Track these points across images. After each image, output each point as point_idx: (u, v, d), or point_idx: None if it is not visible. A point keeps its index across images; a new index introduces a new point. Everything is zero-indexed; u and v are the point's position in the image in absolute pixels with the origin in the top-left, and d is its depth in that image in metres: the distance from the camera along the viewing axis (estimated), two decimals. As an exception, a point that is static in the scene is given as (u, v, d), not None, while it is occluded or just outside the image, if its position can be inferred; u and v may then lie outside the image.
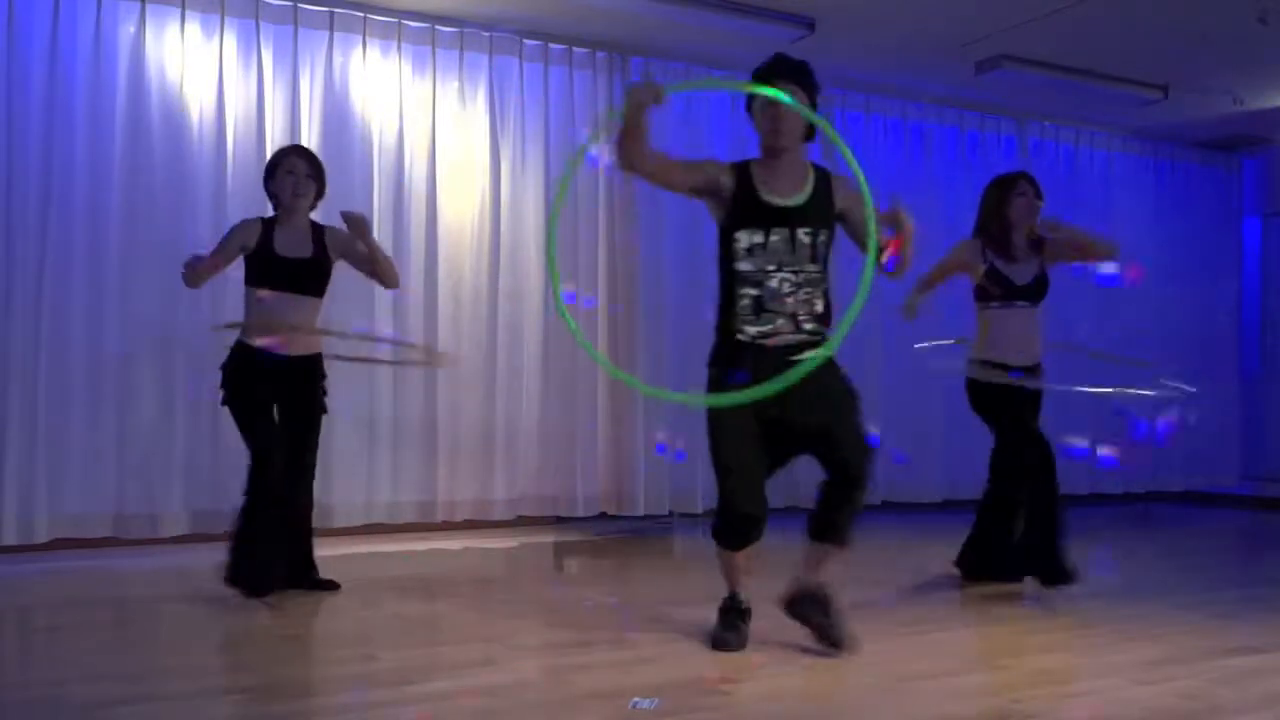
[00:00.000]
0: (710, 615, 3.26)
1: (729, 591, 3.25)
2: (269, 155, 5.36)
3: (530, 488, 5.99)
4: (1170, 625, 3.63)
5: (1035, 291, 4.33)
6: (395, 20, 5.78)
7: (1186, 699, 2.73)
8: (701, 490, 6.08)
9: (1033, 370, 4.31)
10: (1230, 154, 8.46)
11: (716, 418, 3.11)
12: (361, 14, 5.69)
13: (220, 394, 3.92)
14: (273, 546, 3.84)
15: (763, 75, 3.13)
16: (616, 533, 5.84)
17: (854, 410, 3.15)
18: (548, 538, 5.70)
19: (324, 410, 4.06)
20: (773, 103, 3.05)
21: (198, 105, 5.36)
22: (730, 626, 3.17)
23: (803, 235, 3.07)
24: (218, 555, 3.90)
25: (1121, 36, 6.02)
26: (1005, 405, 4.25)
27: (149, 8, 5.26)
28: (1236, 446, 8.42)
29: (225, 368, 3.92)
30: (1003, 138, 7.57)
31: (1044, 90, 6.84)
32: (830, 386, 3.10)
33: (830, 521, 3.15)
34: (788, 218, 3.07)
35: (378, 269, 4.05)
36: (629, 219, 6.28)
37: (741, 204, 3.10)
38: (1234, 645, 3.33)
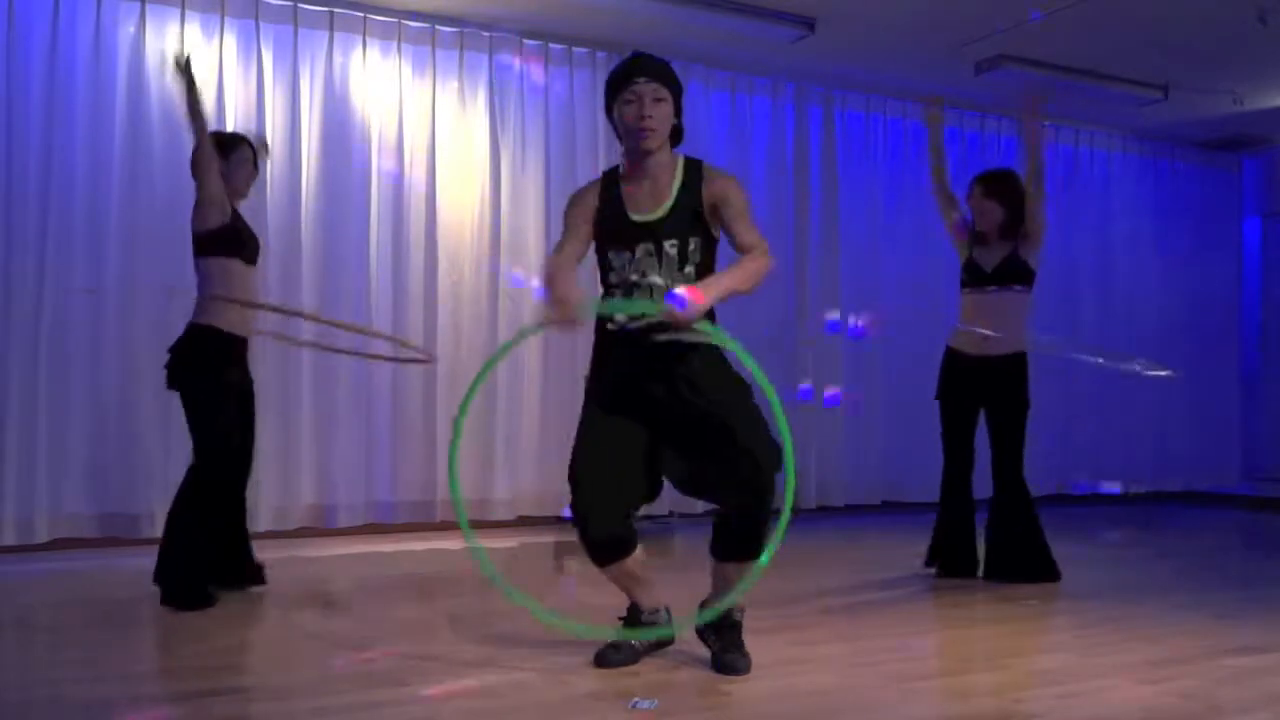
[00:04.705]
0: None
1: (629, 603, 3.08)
2: (269, 156, 5.38)
3: (530, 488, 6.00)
4: (1170, 625, 3.63)
5: (1002, 275, 4.43)
6: (395, 20, 5.78)
7: (1186, 699, 2.73)
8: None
9: (1005, 360, 4.38)
10: (1230, 154, 8.46)
11: (582, 422, 2.95)
12: (361, 14, 5.69)
13: (174, 375, 3.83)
14: (211, 550, 3.83)
15: (623, 72, 2.90)
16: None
17: (750, 397, 2.87)
18: (548, 538, 5.70)
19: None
20: (638, 99, 2.85)
21: (198, 105, 5.36)
22: (615, 642, 3.00)
23: (669, 248, 2.88)
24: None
25: (1121, 36, 6.02)
26: (947, 405, 4.50)
27: (149, 8, 5.26)
28: (1236, 446, 8.42)
29: (198, 351, 3.81)
30: (1003, 138, 7.57)
31: (1044, 90, 6.83)
32: (720, 373, 2.89)
33: (733, 541, 2.89)
34: (651, 232, 2.89)
35: (192, 114, 3.78)
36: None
37: (608, 220, 2.94)
38: (1234, 645, 3.33)
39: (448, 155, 5.90)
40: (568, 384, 6.06)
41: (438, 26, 5.87)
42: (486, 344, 5.91)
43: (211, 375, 3.82)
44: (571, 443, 2.96)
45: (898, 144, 7.22)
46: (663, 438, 2.93)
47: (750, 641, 2.97)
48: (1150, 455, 7.97)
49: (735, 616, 2.97)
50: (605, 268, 2.99)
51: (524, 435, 5.98)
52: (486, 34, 5.96)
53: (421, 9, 5.75)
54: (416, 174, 5.84)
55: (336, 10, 5.64)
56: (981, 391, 4.42)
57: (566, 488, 2.93)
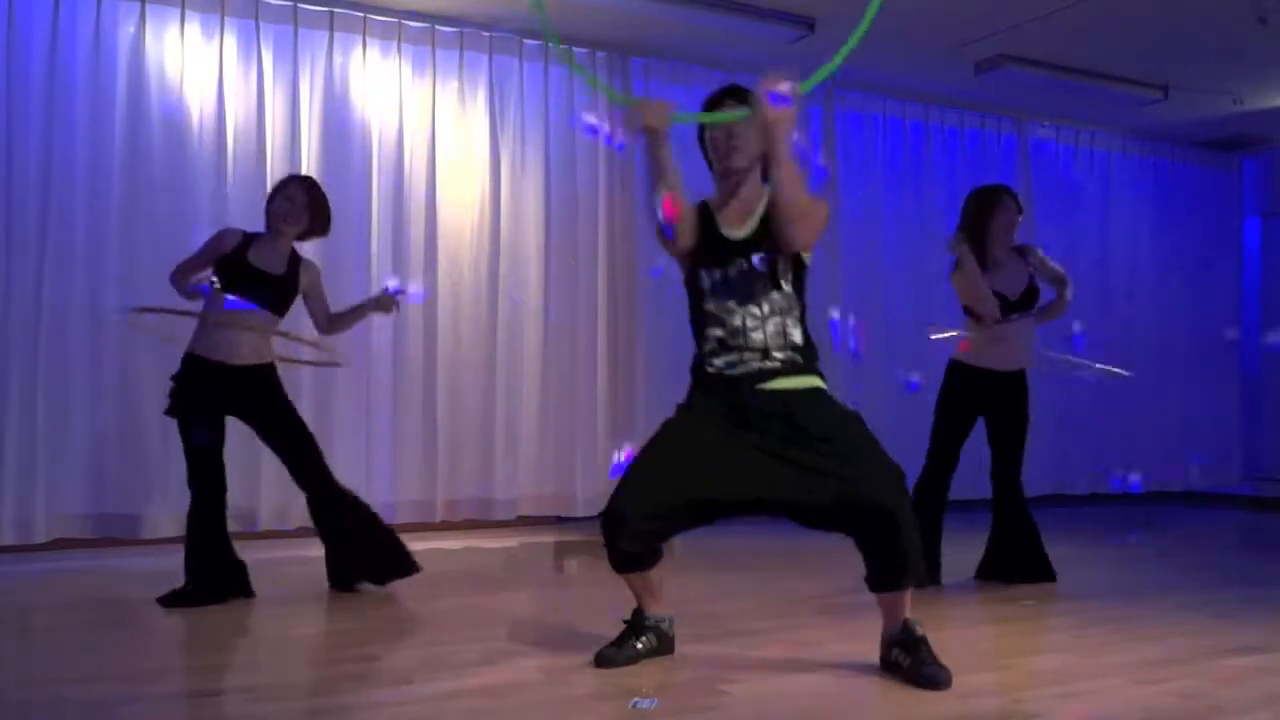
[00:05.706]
0: (711, 614, 3.26)
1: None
2: (269, 156, 5.42)
3: (530, 488, 5.99)
4: (1170, 625, 3.63)
5: (1028, 302, 4.39)
6: (395, 20, 5.78)
7: (1186, 699, 2.73)
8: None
9: (1015, 375, 4.37)
10: (1230, 154, 8.46)
11: (657, 433, 2.98)
12: (361, 14, 5.69)
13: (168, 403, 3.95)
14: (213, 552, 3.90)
15: (713, 99, 3.09)
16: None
17: (864, 437, 2.88)
18: (548, 538, 5.70)
19: (294, 413, 4.07)
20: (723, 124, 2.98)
21: (198, 105, 5.36)
22: (617, 641, 3.01)
23: (759, 264, 2.94)
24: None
25: (1121, 36, 6.02)
26: (949, 413, 4.36)
27: (149, 8, 5.26)
28: (1237, 446, 8.41)
29: (174, 378, 3.95)
30: (1003, 137, 7.57)
31: (1044, 90, 6.84)
32: (824, 414, 2.90)
33: (885, 574, 2.88)
34: (743, 249, 2.95)
35: (341, 325, 4.21)
36: (628, 235, 6.27)
37: (702, 234, 3.00)
38: (1234, 645, 3.33)
39: (448, 155, 5.90)
40: (568, 385, 6.07)
41: (438, 26, 5.87)
42: (486, 344, 5.91)
43: (178, 397, 3.92)
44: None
45: (897, 144, 7.21)
46: (760, 482, 2.87)
47: (749, 641, 2.97)
48: (1150, 455, 7.96)
49: (917, 631, 2.91)
50: (697, 295, 2.99)
51: (524, 435, 5.98)
52: (486, 34, 5.96)
53: (421, 9, 5.75)
54: (416, 174, 5.84)
55: (336, 10, 5.64)
56: (987, 403, 4.38)
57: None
